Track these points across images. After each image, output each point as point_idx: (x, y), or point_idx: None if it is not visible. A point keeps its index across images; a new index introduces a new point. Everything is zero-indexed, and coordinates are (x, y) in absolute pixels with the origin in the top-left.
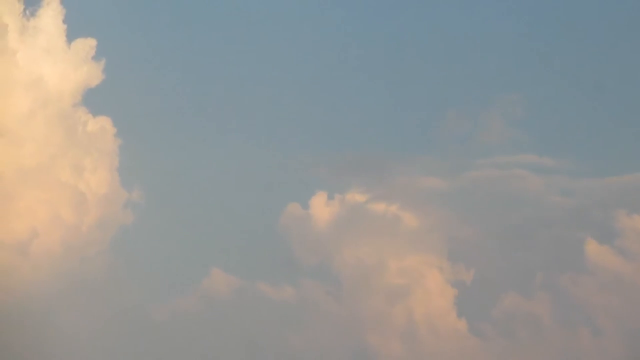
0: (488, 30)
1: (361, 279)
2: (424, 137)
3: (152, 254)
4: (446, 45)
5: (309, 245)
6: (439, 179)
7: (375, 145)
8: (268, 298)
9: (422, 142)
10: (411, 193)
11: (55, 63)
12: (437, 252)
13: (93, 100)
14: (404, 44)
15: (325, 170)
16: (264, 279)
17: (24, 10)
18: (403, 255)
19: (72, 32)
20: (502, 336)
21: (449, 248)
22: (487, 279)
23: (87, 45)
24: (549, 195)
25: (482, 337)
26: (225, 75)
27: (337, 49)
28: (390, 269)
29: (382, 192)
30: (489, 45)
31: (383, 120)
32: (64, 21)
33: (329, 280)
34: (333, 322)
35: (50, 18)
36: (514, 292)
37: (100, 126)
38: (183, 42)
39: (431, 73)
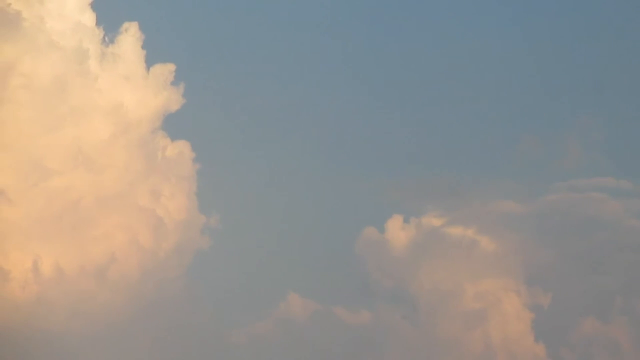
0: (566, 54)
1: (437, 303)
2: (501, 161)
3: (229, 279)
4: (522, 68)
5: (385, 269)
6: (515, 203)
7: (452, 169)
8: (344, 322)
9: (498, 165)
10: (488, 217)
11: (134, 89)
12: (514, 276)
13: (172, 125)
14: (481, 68)
15: (401, 194)
16: (340, 303)
17: (104, 37)
18: (479, 279)
19: (151, 58)
20: None
21: (526, 272)
22: (565, 303)
23: (166, 70)
24: (627, 218)
25: None
26: (302, 101)
27: (413, 74)
28: (467, 293)
29: (458, 216)
30: (566, 67)
31: (459, 144)
32: (143, 47)
33: (405, 305)
34: (409, 346)
35: (130, 44)
36: (592, 316)
37: (179, 151)
38: (260, 66)
39: (507, 96)
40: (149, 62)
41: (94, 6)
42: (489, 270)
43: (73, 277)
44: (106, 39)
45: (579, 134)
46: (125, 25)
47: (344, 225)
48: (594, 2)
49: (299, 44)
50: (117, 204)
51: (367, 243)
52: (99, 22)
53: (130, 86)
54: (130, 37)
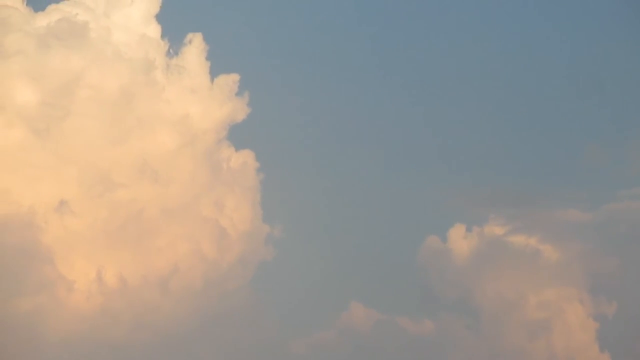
0: (630, 60)
1: (501, 313)
2: (564, 169)
3: (292, 289)
4: (586, 75)
5: (447, 278)
6: (579, 211)
7: (514, 177)
8: (407, 332)
9: (561, 173)
10: (551, 225)
11: (200, 100)
12: (577, 285)
13: (237, 135)
14: (545, 75)
15: (463, 203)
16: (403, 313)
17: (168, 49)
18: (543, 289)
19: (216, 68)
20: None
21: (589, 281)
22: (630, 312)
23: (230, 80)
24: None
25: None
26: (367, 109)
27: (476, 82)
28: (530, 302)
29: (521, 225)
30: (630, 74)
31: (522, 152)
32: (207, 58)
33: (468, 314)
34: (472, 356)
35: (194, 55)
36: None
37: (243, 161)
38: (324, 74)
39: (572, 104)
40: (214, 72)
41: (159, 18)
42: (553, 280)
43: (136, 288)
44: (171, 50)
45: None
46: (190, 36)
47: (406, 235)
48: None
49: (364, 51)
50: (181, 215)
51: (430, 252)
52: (164, 34)
53: (195, 97)
54: (194, 49)
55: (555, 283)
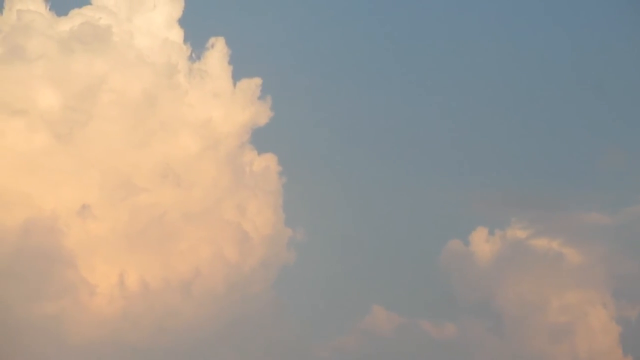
0: None
1: (523, 317)
2: (586, 172)
3: (314, 292)
4: (607, 76)
5: (469, 282)
6: (601, 214)
7: (536, 180)
8: (429, 335)
9: (583, 176)
10: (573, 228)
11: (222, 104)
12: (600, 289)
13: (259, 138)
14: (566, 78)
15: (485, 206)
16: (425, 316)
17: (191, 53)
18: (565, 292)
19: (238, 72)
20: None
21: (612, 284)
22: None
23: (252, 84)
24: None
25: None
26: (389, 114)
27: (496, 84)
28: (553, 306)
29: (543, 228)
30: None
31: (543, 155)
32: (230, 62)
33: (490, 318)
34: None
35: (216, 59)
36: None
37: (265, 165)
38: (346, 78)
39: (592, 106)
40: (236, 76)
41: (182, 22)
42: (575, 283)
43: (158, 292)
44: (193, 55)
45: None
46: (212, 40)
47: (428, 238)
48: None
49: (386, 54)
50: (203, 218)
51: (452, 255)
52: (186, 39)
53: (217, 101)
54: (217, 53)
55: (578, 286)
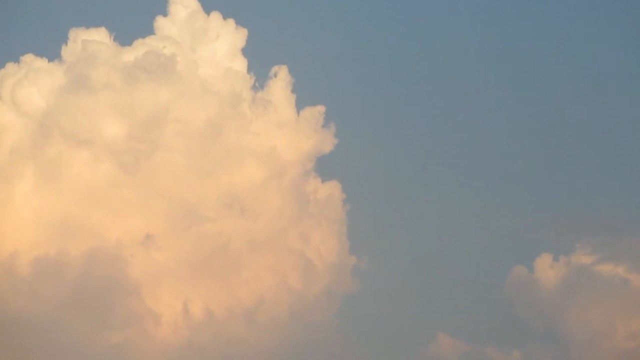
0: None
1: (589, 343)
2: None
3: (378, 320)
4: None
5: (535, 308)
6: None
7: (601, 206)
8: None
9: None
10: (639, 254)
11: (286, 133)
12: None
13: (324, 166)
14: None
15: (549, 232)
16: (490, 344)
17: (254, 82)
18: (632, 318)
19: (301, 101)
20: None
21: None
22: None
23: (316, 112)
24: None
25: None
26: (455, 140)
27: (558, 112)
28: (619, 332)
29: (609, 254)
30: None
31: (607, 180)
32: (293, 90)
33: (556, 345)
34: None
35: (280, 89)
36: None
37: (330, 193)
38: (409, 104)
39: None
40: (299, 105)
41: (245, 52)
42: None
43: (223, 320)
44: (257, 84)
45: None
46: (275, 69)
47: (493, 265)
48: None
49: (454, 81)
50: (266, 247)
51: (517, 282)
52: (249, 68)
53: (281, 130)
54: (280, 82)
55: None
